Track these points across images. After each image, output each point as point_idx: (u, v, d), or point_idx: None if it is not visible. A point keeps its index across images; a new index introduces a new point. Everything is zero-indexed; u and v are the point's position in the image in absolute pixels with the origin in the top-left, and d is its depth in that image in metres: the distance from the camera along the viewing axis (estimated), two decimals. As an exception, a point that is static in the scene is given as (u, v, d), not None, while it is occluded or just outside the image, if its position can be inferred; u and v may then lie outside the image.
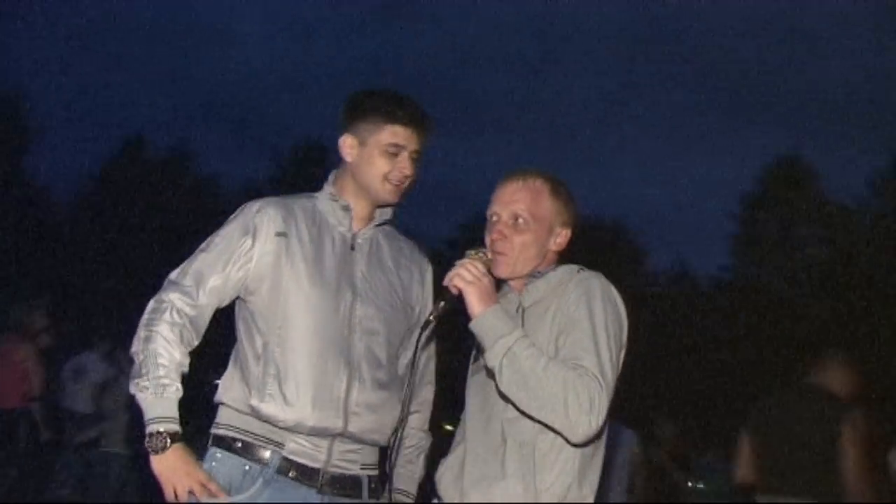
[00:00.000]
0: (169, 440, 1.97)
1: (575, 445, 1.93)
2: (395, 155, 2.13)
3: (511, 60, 75.69)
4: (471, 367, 2.17)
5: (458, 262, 2.02)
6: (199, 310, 2.09)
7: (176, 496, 1.97)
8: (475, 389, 2.13)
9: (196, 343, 2.09)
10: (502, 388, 1.92)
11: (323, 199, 2.22)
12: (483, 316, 1.94)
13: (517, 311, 2.07)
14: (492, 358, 1.91)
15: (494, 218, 2.11)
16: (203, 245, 2.15)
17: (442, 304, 2.04)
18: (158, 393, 1.99)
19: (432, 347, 2.33)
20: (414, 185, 2.20)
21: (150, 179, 31.57)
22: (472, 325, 1.97)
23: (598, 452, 2.03)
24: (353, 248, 2.19)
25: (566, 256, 2.18)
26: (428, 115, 2.16)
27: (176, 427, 1.99)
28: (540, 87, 74.69)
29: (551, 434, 1.92)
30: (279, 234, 2.11)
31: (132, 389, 2.03)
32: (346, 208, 2.19)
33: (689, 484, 8.10)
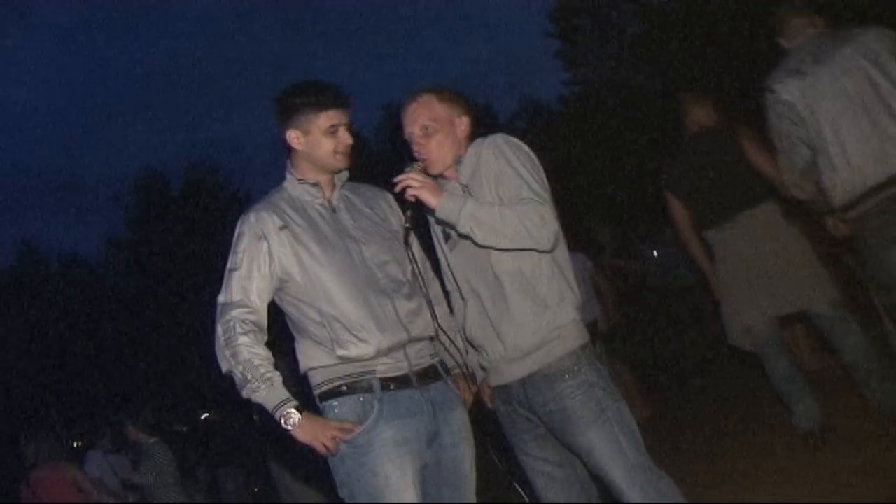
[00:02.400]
0: (298, 413, 2.39)
1: (548, 254, 2.47)
2: (335, 132, 2.58)
3: None
4: (444, 246, 2.68)
5: (403, 176, 2.50)
6: (258, 313, 2.50)
7: (328, 449, 2.41)
8: (457, 259, 2.63)
9: (265, 339, 2.50)
10: (480, 242, 2.44)
11: (292, 185, 2.64)
12: (440, 203, 2.46)
13: (463, 190, 2.56)
14: (462, 226, 2.43)
15: (410, 136, 2.63)
16: (229, 265, 2.53)
17: (408, 213, 2.58)
18: (269, 386, 2.40)
19: (420, 251, 2.76)
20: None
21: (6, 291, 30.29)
22: (437, 213, 2.48)
23: (566, 256, 2.58)
24: (334, 210, 2.63)
25: (474, 134, 2.69)
26: (344, 91, 2.59)
27: (295, 402, 2.41)
28: None
29: (528, 257, 2.46)
30: (281, 228, 2.52)
31: (245, 395, 2.41)
32: (315, 185, 2.62)
33: (655, 255, 8.77)
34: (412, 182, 2.49)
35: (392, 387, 2.50)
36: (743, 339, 4.37)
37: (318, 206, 2.62)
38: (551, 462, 2.57)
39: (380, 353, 2.48)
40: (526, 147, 2.56)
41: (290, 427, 2.40)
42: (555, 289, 2.49)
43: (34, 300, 30.01)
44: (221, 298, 2.52)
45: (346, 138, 2.60)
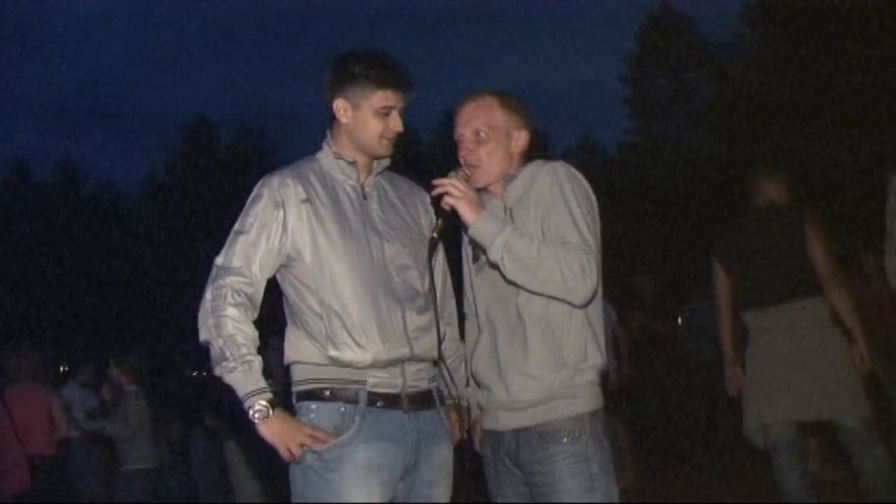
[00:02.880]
0: (270, 408, 2.17)
1: (580, 308, 2.25)
2: (387, 115, 2.34)
3: None
4: (471, 266, 2.47)
5: (444, 181, 2.30)
6: (255, 286, 2.28)
7: (292, 455, 2.19)
8: (482, 284, 2.42)
9: (255, 317, 2.28)
10: (508, 277, 2.22)
11: (327, 159, 2.41)
12: (477, 222, 2.24)
13: (505, 212, 2.34)
14: (493, 254, 2.21)
15: (460, 138, 2.41)
16: (237, 227, 2.31)
17: (440, 221, 2.37)
18: (246, 369, 2.18)
19: (445, 265, 2.55)
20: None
21: (39, 204, 30.58)
22: (470, 232, 2.27)
23: (599, 311, 2.35)
24: (365, 197, 2.41)
25: (531, 155, 2.46)
26: (410, 72, 2.37)
27: (271, 395, 2.19)
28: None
29: (559, 304, 2.23)
30: (303, 201, 2.30)
31: (218, 372, 2.20)
32: (351, 163, 2.39)
33: (680, 323, 8.52)
34: (453, 190, 2.28)
35: (379, 404, 2.27)
36: (757, 436, 4.09)
37: (348, 188, 2.40)
38: None
39: (375, 364, 2.26)
40: (588, 186, 2.34)
41: (257, 420, 2.18)
42: (580, 347, 2.27)
43: (62, 218, 30.25)
44: (219, 260, 2.30)
45: (396, 124, 2.36)
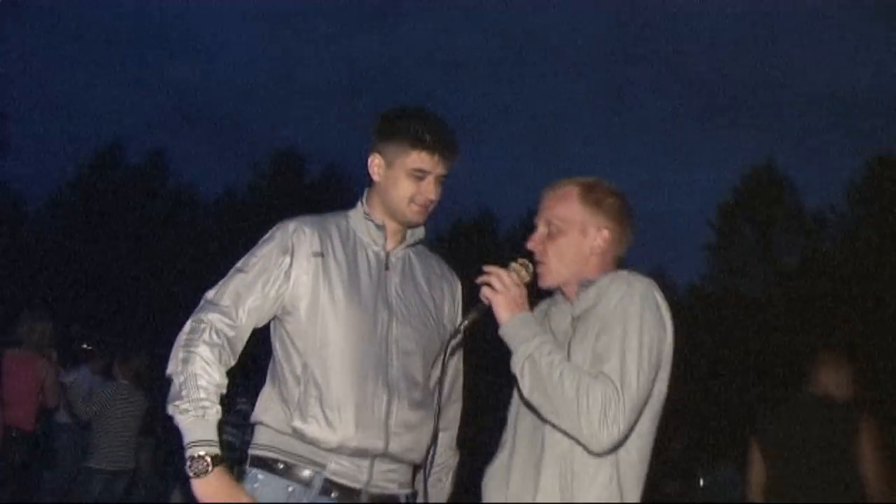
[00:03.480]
0: (211, 463, 1.93)
1: (609, 460, 1.90)
2: (421, 179, 2.14)
3: (492, 69, 75.86)
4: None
5: (492, 269, 2.05)
6: (238, 330, 2.08)
7: None
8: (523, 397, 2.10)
9: (232, 363, 2.08)
10: (525, 395, 1.94)
11: (356, 218, 2.23)
12: (509, 323, 1.98)
13: (570, 322, 2.04)
14: (515, 363, 1.94)
15: (534, 227, 2.17)
16: (240, 264, 2.14)
17: (473, 314, 2.08)
18: (199, 415, 1.96)
19: (460, 364, 2.34)
20: (438, 206, 2.23)
21: (126, 187, 31.42)
22: (500, 332, 2.00)
23: (639, 471, 1.97)
24: (387, 266, 2.21)
25: (623, 263, 2.17)
26: (454, 139, 2.17)
27: (217, 450, 1.96)
28: (520, 96, 74.97)
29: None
30: (316, 254, 2.12)
31: (170, 411, 1.99)
32: (380, 227, 2.19)
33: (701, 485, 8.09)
34: (496, 281, 2.01)
35: (334, 495, 2.04)
36: None
37: (371, 253, 2.20)
38: None
39: (341, 450, 2.04)
40: (668, 320, 1.99)
41: (193, 473, 1.93)
42: (600, 496, 1.90)
43: (142, 207, 30.91)
44: (210, 294, 2.11)
45: (429, 191, 2.15)
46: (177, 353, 2.02)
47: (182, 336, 2.04)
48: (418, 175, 2.13)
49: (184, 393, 1.97)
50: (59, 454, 6.92)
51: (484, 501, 2.09)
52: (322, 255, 2.12)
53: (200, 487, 1.93)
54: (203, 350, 2.00)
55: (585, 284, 2.06)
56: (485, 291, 2.02)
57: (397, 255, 2.23)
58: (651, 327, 1.93)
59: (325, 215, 2.24)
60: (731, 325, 24.73)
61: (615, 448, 1.87)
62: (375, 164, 2.19)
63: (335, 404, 2.03)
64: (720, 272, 28.07)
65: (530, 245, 2.13)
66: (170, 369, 2.02)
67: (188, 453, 1.94)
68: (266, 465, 2.07)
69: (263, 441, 2.11)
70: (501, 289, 2.00)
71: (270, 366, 2.18)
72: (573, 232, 2.09)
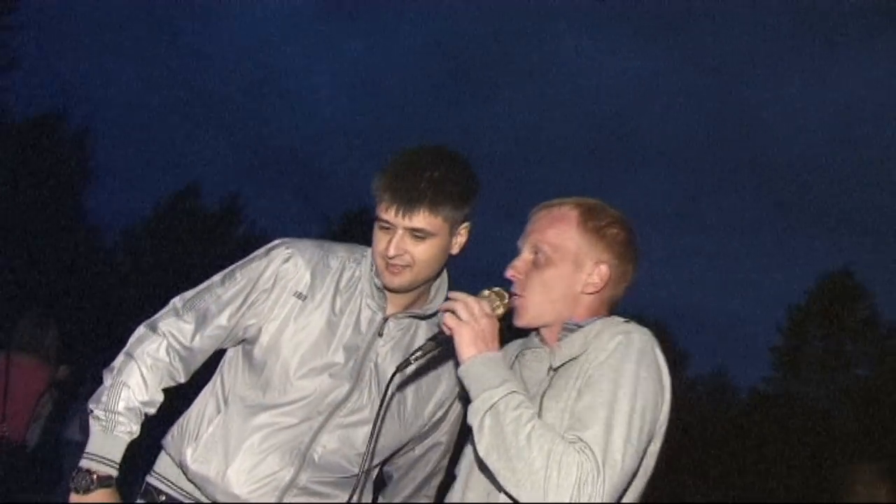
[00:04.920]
0: (96, 482, 1.78)
1: None
2: (387, 230, 1.81)
3: (573, 153, 76.33)
4: None
5: (458, 295, 1.66)
6: (191, 353, 1.90)
7: None
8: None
9: (182, 380, 1.91)
10: (480, 453, 1.54)
11: (367, 265, 1.93)
12: (471, 362, 1.58)
13: (548, 372, 1.68)
14: (472, 413, 1.56)
15: (517, 250, 1.78)
16: (218, 278, 1.94)
17: (429, 344, 1.70)
18: (108, 428, 1.81)
19: (443, 460, 2.10)
20: (426, 270, 1.85)
21: (200, 229, 32.13)
22: (460, 373, 1.62)
23: None
24: (380, 333, 1.92)
25: (616, 308, 1.79)
26: (434, 189, 1.77)
27: (110, 471, 1.80)
28: (600, 183, 75.03)
29: None
30: (298, 295, 1.88)
31: (89, 406, 1.85)
32: (381, 289, 1.90)
33: None
34: (462, 310, 1.61)
35: None
36: None
37: (366, 313, 1.91)
38: None
39: (226, 497, 1.86)
40: (666, 379, 1.62)
41: (73, 488, 1.79)
42: None
43: (212, 250, 31.55)
44: (179, 302, 1.93)
45: (391, 246, 1.79)
46: (121, 354, 1.87)
47: (133, 338, 1.89)
48: (385, 227, 1.81)
49: (103, 399, 1.83)
50: (67, 475, 6.87)
51: None
52: (305, 297, 1.88)
53: (78, 500, 1.77)
54: (144, 363, 1.84)
55: (571, 328, 1.70)
56: (447, 320, 1.62)
57: (398, 324, 1.94)
58: (647, 390, 1.55)
59: (334, 249, 1.97)
60: (793, 433, 23.78)
61: None
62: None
63: (239, 456, 1.86)
64: (785, 377, 27.17)
65: (511, 273, 1.74)
66: (110, 365, 1.87)
67: (81, 463, 1.80)
68: (150, 496, 1.93)
69: (159, 469, 1.98)
70: (467, 318, 1.60)
71: (210, 383, 2.01)
72: (565, 263, 1.70)
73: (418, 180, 1.77)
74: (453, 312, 1.62)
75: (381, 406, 1.77)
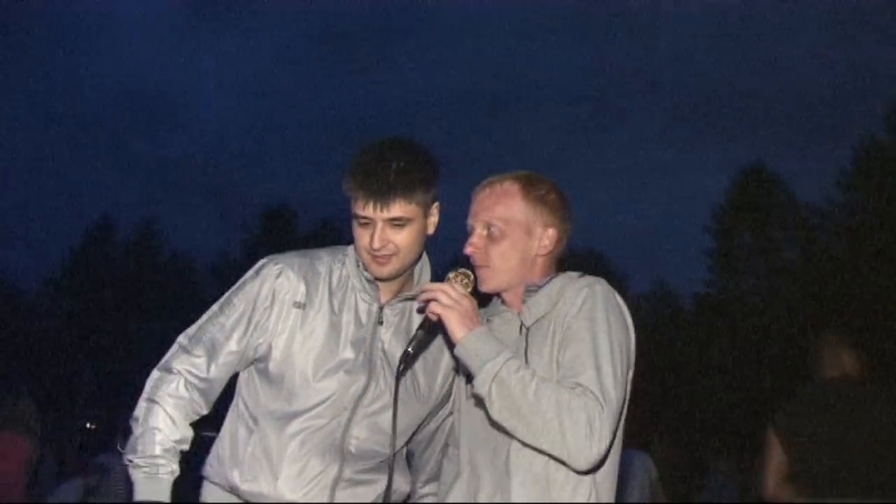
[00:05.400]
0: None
1: (588, 473, 1.76)
2: (367, 225, 1.91)
3: (468, 107, 76.52)
4: (464, 388, 1.98)
5: (434, 285, 1.84)
6: (210, 383, 1.96)
7: None
8: (471, 415, 1.94)
9: (205, 412, 1.97)
10: (494, 417, 1.74)
11: (352, 262, 2.03)
12: (466, 340, 1.76)
13: (521, 331, 1.88)
14: (479, 385, 1.74)
15: (470, 229, 1.96)
16: (218, 308, 2.01)
17: (420, 332, 1.87)
18: (151, 473, 1.87)
19: (446, 422, 2.15)
20: (410, 255, 1.97)
21: (119, 262, 31.37)
22: (457, 352, 1.80)
23: (613, 478, 1.86)
24: (380, 321, 2.02)
25: (564, 262, 2.01)
26: (395, 181, 1.87)
27: None
28: (499, 130, 75.43)
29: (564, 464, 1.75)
30: (297, 305, 1.97)
31: (125, 457, 1.91)
32: (372, 281, 2.00)
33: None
34: (443, 296, 1.79)
35: None
36: None
37: (362, 306, 2.02)
38: None
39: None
40: (629, 320, 1.86)
41: None
42: None
43: (136, 280, 30.83)
44: (184, 340, 1.99)
45: (374, 239, 1.89)
46: (141, 402, 1.92)
47: (149, 384, 1.94)
48: (364, 222, 1.91)
49: (139, 447, 1.88)
50: None
51: None
52: (304, 306, 1.97)
53: None
54: (168, 404, 1.90)
55: (532, 290, 1.92)
56: (433, 308, 1.79)
57: (394, 309, 2.04)
58: (618, 331, 1.80)
59: (317, 255, 2.06)
60: (738, 328, 24.60)
61: (602, 462, 1.73)
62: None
63: (285, 464, 1.93)
64: (721, 275, 27.97)
65: (469, 250, 1.92)
66: (133, 414, 1.93)
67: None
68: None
69: (206, 498, 2.03)
70: (450, 303, 1.78)
71: (231, 407, 2.07)
72: (518, 233, 1.91)
73: (388, 173, 1.88)
74: (434, 300, 1.80)
75: (396, 391, 1.92)
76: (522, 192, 1.93)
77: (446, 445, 2.11)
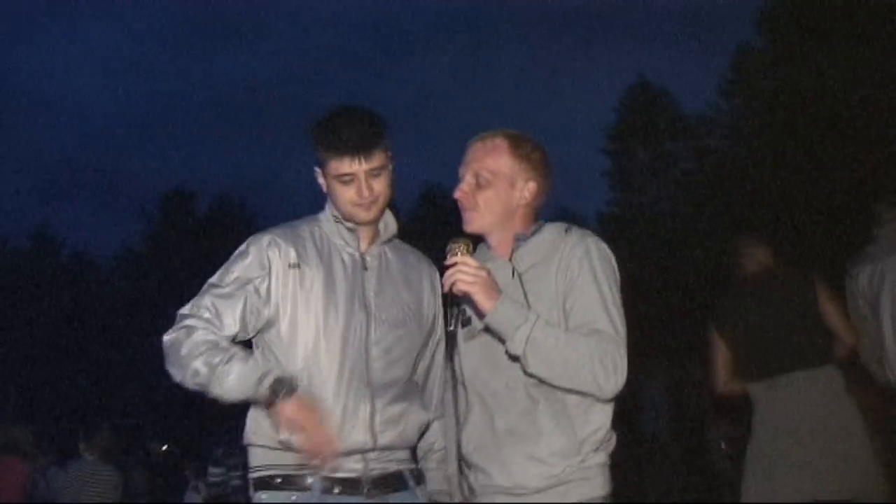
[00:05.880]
0: (288, 381, 1.96)
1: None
2: (351, 181, 2.13)
3: (339, 57, 75.52)
4: (459, 330, 2.16)
5: (455, 270, 2.00)
6: (224, 341, 2.04)
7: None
8: (474, 352, 2.16)
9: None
10: (529, 371, 1.99)
11: (327, 222, 2.24)
12: (496, 310, 1.98)
13: (513, 276, 2.11)
14: (514, 347, 1.97)
15: (460, 178, 2.21)
16: (215, 280, 2.13)
17: (457, 310, 2.08)
18: (242, 360, 1.97)
19: (439, 355, 2.34)
20: (392, 194, 2.23)
21: (14, 273, 30.19)
22: (488, 321, 2.01)
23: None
24: (365, 267, 2.22)
25: (541, 212, 2.27)
26: (367, 134, 2.13)
27: (279, 372, 1.99)
28: (390, 73, 74.77)
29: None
30: (292, 266, 2.13)
31: (214, 390, 1.97)
32: (352, 230, 2.21)
33: None
34: (463, 275, 1.99)
35: (336, 490, 2.08)
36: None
37: (346, 256, 2.22)
38: None
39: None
40: (615, 264, 2.14)
41: (279, 396, 1.93)
42: (600, 428, 2.06)
43: (38, 287, 29.83)
44: (185, 310, 2.08)
45: (362, 190, 2.13)
46: (174, 359, 2.00)
47: (168, 347, 2.02)
48: (346, 179, 2.13)
49: (215, 360, 1.95)
50: None
51: (481, 467, 2.11)
52: (298, 265, 2.13)
53: (289, 409, 1.93)
54: (199, 334, 1.99)
55: (522, 239, 2.16)
56: (459, 287, 1.99)
57: (373, 255, 2.25)
58: (611, 274, 2.10)
59: (296, 224, 2.24)
60: (641, 241, 25.34)
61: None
62: (318, 174, 2.22)
63: (322, 412, 2.02)
64: (623, 195, 28.68)
65: (459, 195, 2.19)
66: (178, 376, 2.01)
67: (266, 384, 1.93)
68: (265, 484, 2.10)
69: (257, 462, 2.13)
70: (472, 279, 1.98)
71: None
72: (502, 184, 2.16)
73: (361, 129, 2.13)
74: (458, 281, 1.98)
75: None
76: (510, 148, 2.18)
77: (443, 385, 2.31)
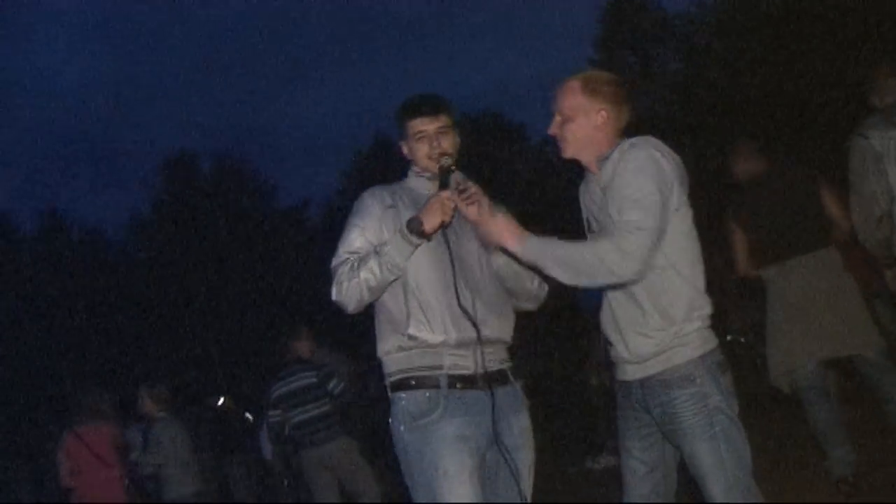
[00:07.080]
0: (417, 223, 2.52)
1: (669, 268, 2.45)
2: (425, 137, 2.70)
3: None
4: (587, 234, 2.65)
5: (471, 193, 2.57)
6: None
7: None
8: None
9: None
10: (566, 283, 2.46)
11: (412, 178, 2.80)
12: (523, 251, 2.48)
13: (601, 191, 2.54)
14: (549, 270, 2.46)
15: (553, 116, 2.66)
16: (351, 221, 2.71)
17: (444, 163, 2.66)
18: (396, 238, 2.56)
19: None
20: (459, 146, 2.77)
21: (23, 255, 30.47)
22: (522, 257, 2.50)
23: (689, 262, 2.51)
24: None
25: (629, 131, 2.63)
26: (434, 100, 2.74)
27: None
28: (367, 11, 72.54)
29: (654, 271, 2.42)
30: (390, 207, 2.69)
31: (383, 272, 2.55)
32: (430, 178, 2.73)
33: None
34: (492, 227, 2.53)
35: (458, 385, 2.57)
36: (784, 381, 4.39)
37: (424, 199, 2.68)
38: (645, 463, 2.59)
39: (447, 344, 2.57)
40: (666, 163, 2.46)
41: (415, 230, 2.52)
42: (684, 302, 2.47)
43: (55, 269, 30.13)
44: (341, 248, 2.67)
45: (435, 143, 2.69)
46: (351, 280, 2.58)
47: (336, 276, 2.61)
48: (421, 135, 2.70)
49: (382, 250, 2.55)
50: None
51: (606, 338, 2.65)
52: (394, 206, 2.68)
53: (427, 220, 2.52)
54: (346, 267, 2.59)
55: (602, 159, 2.55)
56: (490, 239, 2.54)
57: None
58: (647, 176, 2.41)
59: (390, 184, 2.82)
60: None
61: (644, 270, 2.39)
62: (403, 145, 2.79)
63: (432, 309, 2.57)
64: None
65: (552, 131, 2.64)
66: (342, 295, 2.60)
67: (407, 229, 2.53)
68: (402, 386, 2.61)
69: (391, 369, 2.64)
70: (497, 230, 2.49)
71: (376, 308, 2.69)
72: (579, 116, 2.57)
73: (426, 98, 2.75)
74: (488, 233, 2.53)
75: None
76: (581, 87, 2.58)
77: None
